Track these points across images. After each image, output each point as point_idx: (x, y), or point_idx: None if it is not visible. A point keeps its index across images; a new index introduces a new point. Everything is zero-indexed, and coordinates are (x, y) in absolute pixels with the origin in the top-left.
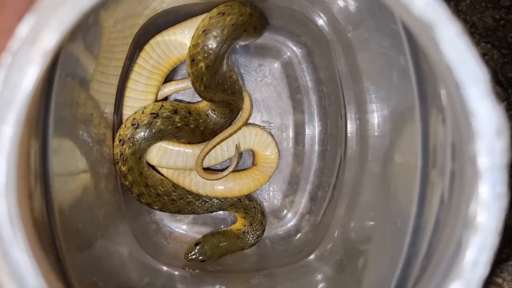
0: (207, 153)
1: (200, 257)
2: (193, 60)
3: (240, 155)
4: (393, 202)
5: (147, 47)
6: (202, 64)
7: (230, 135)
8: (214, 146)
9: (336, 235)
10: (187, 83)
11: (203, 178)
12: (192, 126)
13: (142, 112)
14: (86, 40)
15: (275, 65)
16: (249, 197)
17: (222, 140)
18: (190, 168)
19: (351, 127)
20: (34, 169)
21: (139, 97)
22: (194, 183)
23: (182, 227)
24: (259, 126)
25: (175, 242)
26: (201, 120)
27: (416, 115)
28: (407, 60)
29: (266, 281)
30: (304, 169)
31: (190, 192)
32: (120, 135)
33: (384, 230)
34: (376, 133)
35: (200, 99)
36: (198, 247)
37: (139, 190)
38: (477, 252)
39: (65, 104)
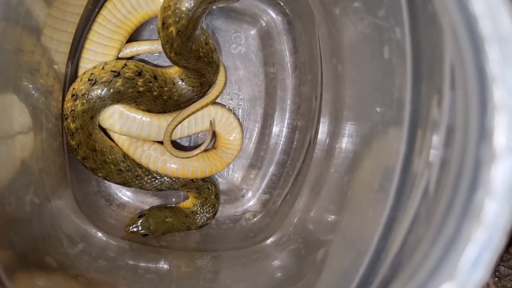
0: (176, 125)
1: (142, 231)
2: (163, 24)
3: (213, 134)
4: (366, 191)
5: None
6: (173, 29)
7: (201, 108)
8: (184, 119)
9: (295, 221)
10: (156, 45)
11: (170, 153)
12: (155, 93)
13: (102, 68)
14: None
15: (251, 33)
16: None
17: (192, 113)
18: (144, 138)
19: (325, 110)
20: None
21: (100, 50)
22: (145, 156)
23: (127, 194)
24: (226, 106)
25: (118, 209)
26: (166, 88)
27: (405, 97)
28: (404, 32)
29: (213, 263)
30: (269, 149)
31: (140, 165)
32: (73, 89)
33: (352, 221)
34: (353, 119)
35: (170, 63)
36: (141, 220)
37: (85, 153)
38: (479, 251)
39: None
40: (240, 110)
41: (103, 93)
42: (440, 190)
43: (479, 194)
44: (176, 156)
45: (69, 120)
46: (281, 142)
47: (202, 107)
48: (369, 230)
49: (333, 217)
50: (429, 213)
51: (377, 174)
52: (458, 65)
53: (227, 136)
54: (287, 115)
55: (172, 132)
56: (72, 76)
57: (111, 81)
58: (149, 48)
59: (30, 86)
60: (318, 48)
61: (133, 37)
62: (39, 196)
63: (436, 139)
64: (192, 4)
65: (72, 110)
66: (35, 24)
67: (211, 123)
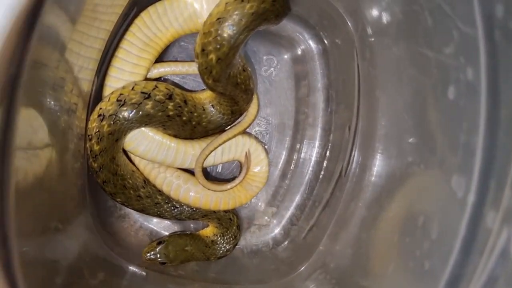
0: (208, 154)
1: (160, 259)
2: (203, 50)
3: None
4: (418, 239)
5: (143, 13)
6: (213, 56)
7: (232, 137)
8: (216, 148)
9: (324, 258)
10: (189, 68)
11: (202, 185)
12: (184, 118)
13: (132, 89)
14: None
15: (285, 57)
16: None
17: (224, 142)
18: (167, 164)
19: (358, 142)
20: None
21: (128, 69)
22: (167, 183)
23: (150, 220)
24: (254, 137)
25: (138, 235)
26: (195, 114)
27: (477, 143)
28: (478, 74)
29: None
30: (295, 178)
31: (160, 192)
32: (101, 109)
33: (399, 270)
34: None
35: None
36: (160, 247)
37: (106, 177)
38: None
39: (33, 65)
40: (267, 136)
41: (131, 115)
42: None
43: None
44: (208, 189)
45: (93, 141)
46: (308, 171)
47: (234, 136)
48: (426, 283)
49: (374, 260)
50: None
51: (433, 223)
52: None
53: (253, 168)
54: (316, 143)
55: (203, 161)
56: (97, 94)
57: (141, 103)
58: (179, 69)
59: (53, 103)
60: (356, 77)
61: (162, 55)
62: (62, 222)
63: None
64: (234, 31)
65: (98, 131)
66: (59, 38)
67: (247, 155)
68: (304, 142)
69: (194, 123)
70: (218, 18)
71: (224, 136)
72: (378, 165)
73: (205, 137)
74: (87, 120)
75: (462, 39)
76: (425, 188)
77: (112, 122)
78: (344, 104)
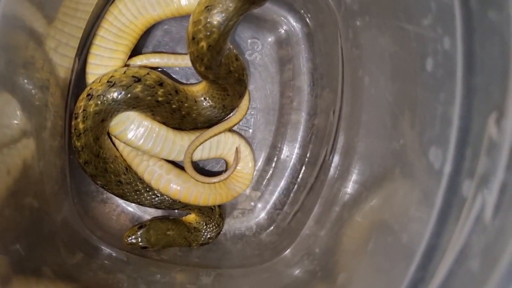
0: (198, 146)
1: (141, 243)
2: (193, 38)
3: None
4: (398, 213)
5: (117, 0)
6: (203, 44)
7: (223, 131)
8: (206, 140)
9: (307, 241)
10: (180, 61)
11: (190, 174)
12: (174, 106)
13: (124, 72)
14: None
15: (269, 40)
16: None
17: (215, 135)
18: (153, 154)
19: (344, 125)
20: None
21: (106, 55)
22: (149, 172)
23: (133, 204)
24: (242, 135)
25: (119, 218)
26: (186, 104)
27: (453, 113)
28: (454, 43)
29: (220, 282)
30: (280, 162)
31: (141, 180)
32: (90, 89)
33: (379, 245)
34: (377, 135)
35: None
36: (141, 231)
37: (88, 157)
38: None
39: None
40: (252, 120)
41: (119, 96)
42: (500, 218)
43: None
44: (194, 179)
45: (79, 119)
46: (293, 156)
47: (224, 130)
48: (403, 257)
49: (355, 239)
50: (486, 244)
51: (411, 197)
52: None
53: (239, 168)
54: (301, 128)
55: (193, 152)
56: (78, 76)
57: (130, 85)
58: (172, 62)
59: (25, 81)
60: (340, 59)
61: (145, 38)
62: (38, 200)
63: (495, 161)
64: (224, 18)
65: (84, 110)
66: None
67: (237, 151)
68: (289, 126)
69: (183, 112)
70: (207, 6)
71: (215, 129)
72: (363, 146)
73: (195, 129)
74: (68, 98)
75: (439, 9)
76: (404, 164)
77: (99, 102)
78: (328, 87)
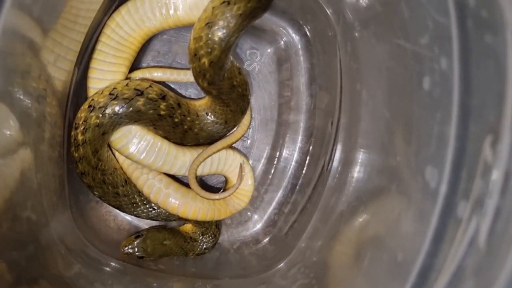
0: (202, 161)
1: (138, 253)
2: (195, 55)
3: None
4: (391, 229)
5: (115, 14)
6: (205, 60)
7: (226, 147)
8: (210, 155)
9: (304, 252)
10: (184, 76)
11: (195, 191)
12: (176, 120)
13: (126, 85)
14: None
15: (268, 51)
16: None
17: (218, 151)
18: (154, 168)
19: (342, 136)
20: None
21: (107, 68)
22: (148, 185)
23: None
24: (242, 153)
25: (118, 229)
26: (188, 118)
27: (449, 133)
28: (451, 64)
29: None
30: (278, 172)
31: (139, 193)
32: (92, 100)
33: (375, 261)
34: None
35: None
36: (138, 241)
37: (85, 169)
38: None
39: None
40: (250, 130)
41: (121, 110)
42: (494, 242)
43: None
44: (199, 195)
45: (78, 130)
46: (291, 166)
47: (227, 146)
48: (398, 276)
49: (350, 255)
50: (480, 266)
51: (407, 215)
52: None
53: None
54: (299, 138)
55: (197, 167)
56: (77, 86)
57: (132, 98)
58: (174, 77)
59: (21, 91)
60: (339, 71)
61: (144, 49)
62: (36, 213)
63: (490, 185)
64: (225, 34)
65: (85, 121)
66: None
67: (241, 167)
68: (287, 139)
69: (186, 127)
70: (207, 23)
71: (218, 144)
72: (360, 160)
73: (197, 145)
74: (67, 108)
75: (436, 29)
76: (401, 181)
77: (100, 115)
78: (327, 99)
